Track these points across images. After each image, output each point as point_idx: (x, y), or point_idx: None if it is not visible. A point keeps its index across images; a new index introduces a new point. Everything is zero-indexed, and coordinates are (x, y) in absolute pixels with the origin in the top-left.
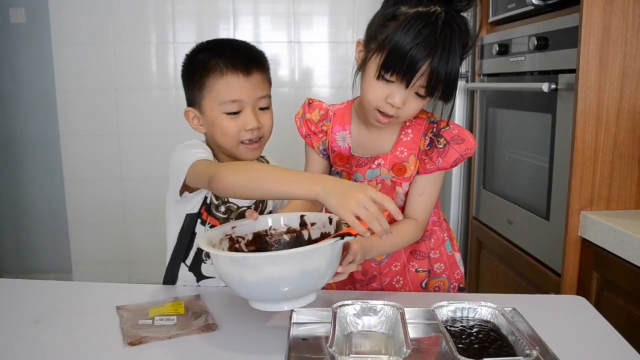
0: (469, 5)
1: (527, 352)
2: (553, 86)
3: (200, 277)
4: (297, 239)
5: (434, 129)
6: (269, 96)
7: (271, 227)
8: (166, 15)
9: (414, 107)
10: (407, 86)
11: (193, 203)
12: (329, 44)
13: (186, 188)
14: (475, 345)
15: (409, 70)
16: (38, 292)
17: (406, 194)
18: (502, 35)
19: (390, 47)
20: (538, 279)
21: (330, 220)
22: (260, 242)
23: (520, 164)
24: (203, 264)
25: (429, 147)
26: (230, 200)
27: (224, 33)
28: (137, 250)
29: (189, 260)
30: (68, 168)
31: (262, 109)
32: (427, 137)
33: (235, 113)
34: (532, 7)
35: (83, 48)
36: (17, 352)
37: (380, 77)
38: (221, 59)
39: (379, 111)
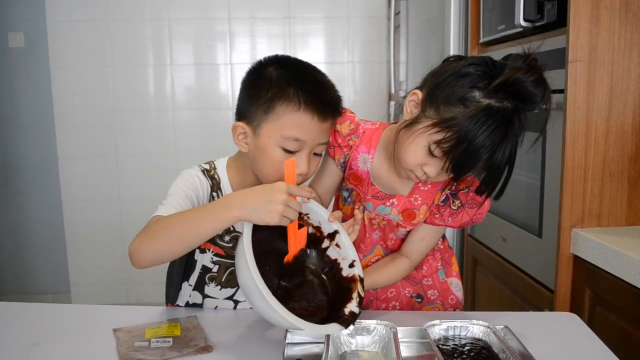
0: (542, 105)
1: None
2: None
3: (204, 296)
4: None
5: (453, 187)
6: (327, 143)
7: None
8: (163, 37)
9: (443, 178)
10: (455, 178)
11: None
12: (325, 65)
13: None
14: None
15: (464, 167)
16: (35, 314)
17: (407, 232)
18: (493, 55)
19: (455, 138)
20: (532, 295)
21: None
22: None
23: (513, 182)
24: (206, 286)
25: (442, 204)
26: (237, 229)
27: (221, 54)
28: (135, 270)
29: (192, 281)
30: (66, 189)
31: (316, 154)
32: (443, 193)
33: (292, 152)
34: (521, 29)
35: (81, 71)
36: None
37: (429, 151)
38: (302, 92)
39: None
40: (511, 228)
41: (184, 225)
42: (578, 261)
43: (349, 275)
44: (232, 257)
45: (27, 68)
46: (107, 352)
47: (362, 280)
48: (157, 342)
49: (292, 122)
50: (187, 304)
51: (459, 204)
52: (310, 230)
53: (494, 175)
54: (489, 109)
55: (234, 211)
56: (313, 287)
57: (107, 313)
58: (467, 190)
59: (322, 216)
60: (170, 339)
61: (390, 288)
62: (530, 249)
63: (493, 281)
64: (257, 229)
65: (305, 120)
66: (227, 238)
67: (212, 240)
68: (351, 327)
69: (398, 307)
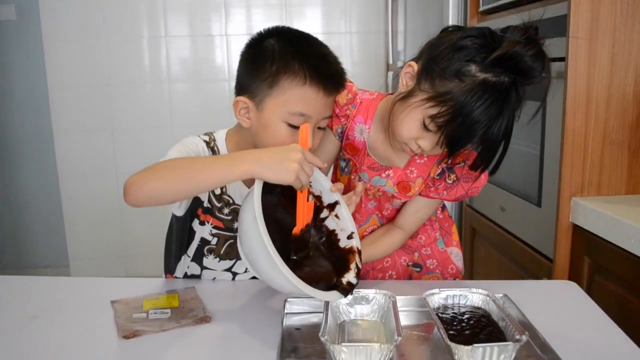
0: (541, 80)
1: (517, 337)
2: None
3: (203, 267)
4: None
5: (449, 160)
6: (331, 117)
7: (334, 230)
8: (157, 8)
9: (437, 152)
10: (450, 154)
11: (174, 206)
12: (322, 35)
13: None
14: (467, 332)
15: (459, 142)
16: (33, 288)
17: (403, 203)
18: (492, 24)
19: (450, 113)
20: (530, 265)
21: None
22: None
23: (512, 151)
24: (205, 259)
25: (438, 177)
26: (237, 202)
27: (216, 26)
28: (133, 243)
29: (190, 252)
30: (62, 164)
31: (320, 128)
32: (439, 166)
33: (297, 127)
34: None
35: (74, 44)
36: (13, 348)
37: (424, 125)
38: (308, 66)
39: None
40: (510, 198)
41: (192, 168)
42: (577, 230)
43: (347, 247)
44: (231, 230)
45: (19, 41)
46: (105, 324)
47: (359, 252)
48: (155, 313)
49: (298, 97)
50: (186, 275)
51: (455, 178)
52: (310, 198)
53: (489, 151)
54: (485, 84)
55: (248, 165)
56: (318, 259)
57: (105, 285)
58: (463, 164)
59: (324, 186)
60: (169, 310)
61: (385, 257)
62: (530, 219)
63: (491, 251)
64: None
65: (311, 95)
66: (226, 211)
67: (211, 213)
68: (349, 296)
69: (395, 277)
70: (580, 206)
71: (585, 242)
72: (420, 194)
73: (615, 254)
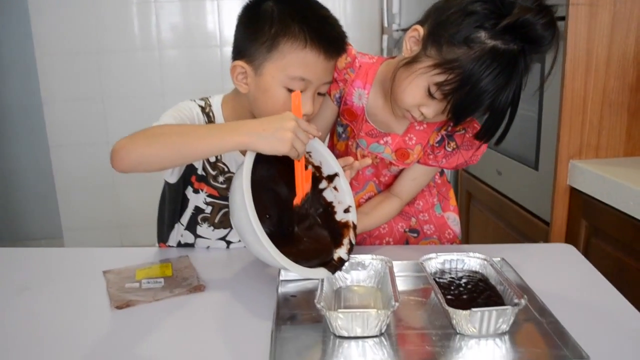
0: (549, 49)
1: (516, 301)
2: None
3: (197, 236)
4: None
5: (449, 128)
6: (331, 82)
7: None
8: None
9: (439, 119)
10: (455, 123)
11: (166, 172)
12: None
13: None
14: (464, 296)
15: (465, 112)
16: (24, 259)
17: (401, 170)
18: None
19: (457, 81)
20: (527, 228)
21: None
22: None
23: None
24: (199, 227)
25: (437, 145)
26: (232, 170)
27: None
28: (127, 213)
29: (184, 220)
30: (52, 134)
31: (320, 94)
32: (439, 133)
33: None
34: None
35: (61, 10)
36: (4, 319)
37: (429, 92)
38: (308, 29)
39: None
40: (507, 161)
41: (184, 135)
42: (574, 193)
43: (343, 221)
44: (226, 199)
45: (3, 8)
46: (97, 294)
47: (355, 227)
48: (149, 283)
49: (298, 61)
50: (179, 244)
51: (454, 146)
52: (310, 168)
53: (495, 120)
54: (495, 51)
55: (241, 136)
56: (319, 230)
57: (97, 255)
58: (463, 131)
59: (324, 156)
60: (162, 280)
61: (382, 224)
62: (526, 182)
63: (488, 215)
64: (253, 170)
65: (312, 59)
66: (221, 179)
67: (205, 181)
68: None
69: (391, 243)
70: (578, 169)
71: (582, 205)
72: (418, 162)
73: (613, 216)
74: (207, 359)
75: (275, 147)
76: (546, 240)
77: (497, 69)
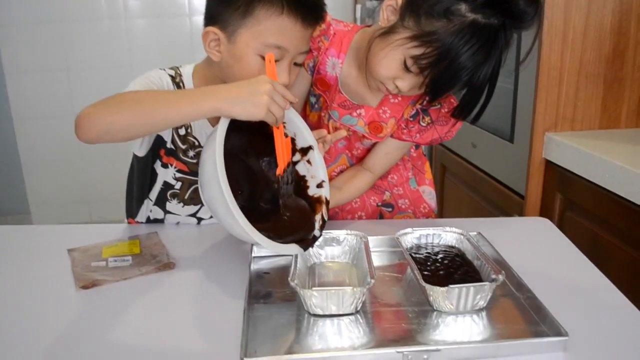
0: (532, 26)
1: (493, 277)
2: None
3: (166, 212)
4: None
5: (424, 102)
6: (308, 52)
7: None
8: None
9: (415, 93)
10: (431, 99)
11: (135, 145)
12: None
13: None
14: (441, 272)
15: (442, 88)
16: None
17: (374, 143)
18: None
19: (435, 55)
20: (502, 201)
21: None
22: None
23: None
24: (168, 203)
25: (412, 119)
26: (202, 144)
27: None
28: (96, 188)
29: (152, 195)
30: (16, 107)
31: (296, 64)
32: (414, 107)
33: None
34: None
35: None
36: None
37: (405, 65)
38: None
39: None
40: (482, 134)
41: (153, 102)
42: (550, 166)
43: (315, 196)
44: (196, 174)
45: None
46: (61, 274)
47: (327, 203)
48: (115, 261)
49: (274, 28)
50: (149, 220)
51: (429, 121)
52: (290, 136)
53: (472, 97)
54: (475, 25)
55: (214, 101)
56: (301, 204)
57: (62, 232)
58: (439, 106)
59: (299, 127)
60: (130, 257)
61: (355, 199)
62: (501, 155)
63: (462, 188)
64: (225, 139)
65: (288, 26)
66: (191, 153)
67: (175, 155)
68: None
69: (364, 217)
70: (554, 141)
71: (557, 178)
72: (392, 136)
73: (588, 189)
74: (177, 340)
75: (251, 112)
76: (521, 213)
77: (477, 44)
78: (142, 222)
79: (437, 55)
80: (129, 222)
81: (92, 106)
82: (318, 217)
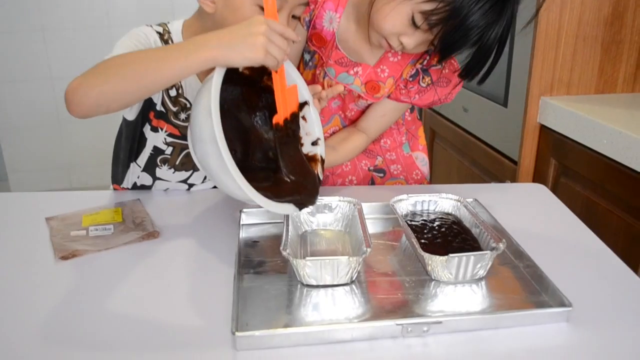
0: None
1: (493, 245)
2: None
3: (155, 178)
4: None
5: (425, 62)
6: (307, 4)
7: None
8: None
9: (418, 51)
10: (439, 60)
11: (126, 111)
12: None
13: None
14: (438, 240)
15: (451, 47)
16: None
17: (368, 105)
18: None
19: (446, 11)
20: (493, 167)
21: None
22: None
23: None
24: (158, 169)
25: (411, 79)
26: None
27: None
28: (76, 153)
29: (140, 161)
30: None
31: (295, 17)
32: (414, 67)
33: None
34: None
35: None
36: None
37: (412, 21)
38: None
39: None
40: (474, 98)
41: (144, 62)
42: (544, 131)
43: (310, 154)
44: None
45: None
46: (40, 244)
47: (323, 161)
48: (96, 230)
49: None
50: (135, 186)
51: (429, 81)
52: (295, 83)
53: (481, 57)
54: None
55: (208, 50)
56: (301, 160)
57: (41, 200)
58: (440, 66)
59: (295, 81)
60: (111, 226)
61: (347, 161)
62: (494, 120)
63: (452, 153)
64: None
65: None
66: (182, 116)
67: (165, 118)
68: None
69: (355, 182)
70: (550, 106)
71: (552, 143)
72: (389, 97)
73: (584, 155)
74: (163, 313)
75: (248, 56)
76: (513, 179)
77: (489, 2)
78: (128, 189)
79: (449, 11)
80: (114, 189)
81: (80, 77)
82: None
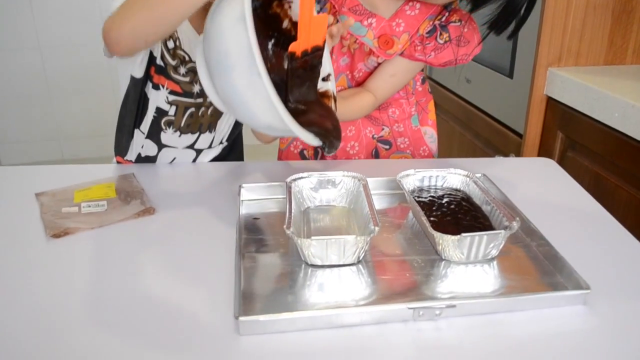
0: None
1: (506, 223)
2: None
3: (161, 145)
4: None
5: (444, 18)
6: None
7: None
8: None
9: (444, 1)
10: (471, 10)
11: (136, 66)
12: None
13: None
14: (448, 218)
15: None
16: None
17: (378, 64)
18: None
19: None
20: (497, 140)
21: None
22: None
23: (480, 15)
24: (162, 133)
25: (428, 35)
26: (193, 59)
27: None
28: (67, 124)
29: (144, 127)
30: None
31: None
32: (432, 23)
33: None
34: None
35: None
36: None
37: None
38: None
39: None
40: (477, 68)
41: None
42: (552, 103)
43: (321, 90)
44: (190, 95)
45: None
46: (30, 221)
47: (335, 99)
48: (89, 206)
49: None
50: (139, 158)
51: (447, 38)
52: (286, 24)
53: (512, 9)
54: None
55: None
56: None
57: (30, 174)
58: (459, 23)
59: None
60: (105, 202)
61: (349, 125)
62: (499, 91)
63: (453, 125)
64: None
65: None
66: (182, 70)
67: (165, 73)
68: (314, 179)
69: (357, 148)
70: (558, 77)
71: (559, 116)
72: (402, 54)
73: (593, 128)
74: (159, 296)
75: None
76: (518, 153)
77: None
78: (131, 161)
79: None
80: (117, 161)
81: (111, 17)
82: None
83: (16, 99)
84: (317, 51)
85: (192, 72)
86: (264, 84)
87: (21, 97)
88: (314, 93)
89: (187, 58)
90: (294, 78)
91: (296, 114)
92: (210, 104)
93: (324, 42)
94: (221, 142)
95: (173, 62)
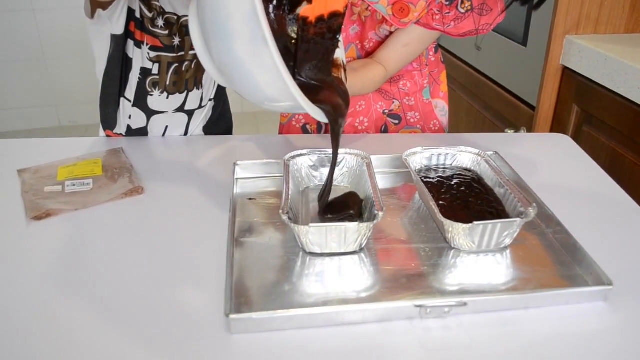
0: None
1: (522, 209)
2: None
3: (149, 112)
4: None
5: None
6: None
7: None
8: None
9: None
10: None
11: (114, 22)
12: None
13: (97, 4)
14: (458, 202)
15: None
16: None
17: (390, 33)
18: None
19: None
20: (508, 112)
21: None
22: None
23: None
24: (149, 97)
25: (448, 3)
26: (167, 10)
27: None
28: (63, 90)
29: (129, 94)
30: None
31: None
32: None
33: None
34: None
35: None
36: None
37: None
38: None
39: None
40: (488, 35)
41: None
42: (567, 74)
43: None
44: (172, 49)
45: None
46: (10, 201)
47: (345, 68)
48: (74, 185)
49: None
50: (129, 130)
51: (469, 7)
52: None
53: None
54: None
55: None
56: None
57: (10, 148)
58: None
59: None
60: (90, 181)
61: (359, 100)
62: (511, 60)
63: (461, 95)
64: None
65: None
66: (160, 23)
67: (144, 28)
68: (313, 158)
69: (367, 124)
70: (576, 46)
71: (575, 87)
72: (417, 23)
73: (612, 102)
74: (145, 287)
75: None
76: (530, 127)
77: None
78: (122, 135)
79: None
80: (107, 135)
81: None
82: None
83: (11, 64)
84: (336, 18)
85: (170, 24)
86: (272, 53)
87: (16, 61)
88: (328, 69)
89: (162, 9)
90: (306, 50)
91: (305, 90)
92: (194, 56)
93: (346, 7)
94: (210, 100)
95: (150, 15)
